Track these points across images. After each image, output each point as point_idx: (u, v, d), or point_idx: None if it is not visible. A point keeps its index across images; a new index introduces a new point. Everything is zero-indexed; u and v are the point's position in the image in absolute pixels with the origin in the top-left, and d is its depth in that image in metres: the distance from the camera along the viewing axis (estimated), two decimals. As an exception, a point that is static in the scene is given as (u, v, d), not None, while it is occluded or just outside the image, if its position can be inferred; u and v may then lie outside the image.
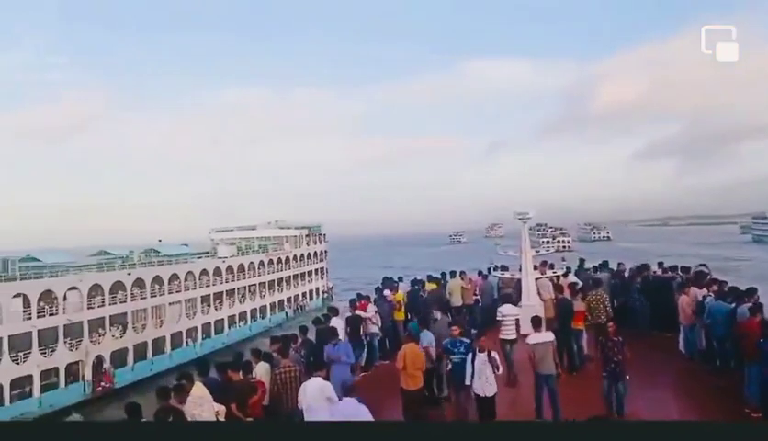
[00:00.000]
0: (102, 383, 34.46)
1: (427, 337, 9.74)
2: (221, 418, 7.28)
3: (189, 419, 6.91)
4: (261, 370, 8.52)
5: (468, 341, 9.06)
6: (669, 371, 10.65)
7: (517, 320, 11.07)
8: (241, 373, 8.37)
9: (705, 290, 11.85)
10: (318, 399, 7.54)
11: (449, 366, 9.04)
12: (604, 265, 16.39)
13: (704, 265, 14.96)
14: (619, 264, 16.22)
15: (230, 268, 50.13)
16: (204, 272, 47.07)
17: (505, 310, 11.39)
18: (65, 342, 33.58)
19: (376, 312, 12.52)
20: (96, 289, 36.41)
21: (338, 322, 11.05)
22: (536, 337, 9.26)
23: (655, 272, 15.10)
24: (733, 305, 10.33)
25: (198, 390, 7.24)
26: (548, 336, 9.43)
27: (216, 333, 46.02)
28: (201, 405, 7.07)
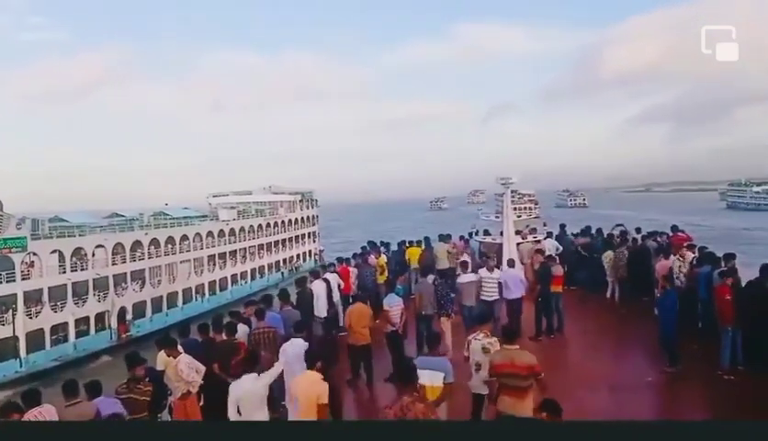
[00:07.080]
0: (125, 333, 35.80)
1: (392, 299, 9.23)
2: (200, 377, 6.97)
3: (185, 384, 6.77)
4: (240, 332, 8.12)
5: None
6: (644, 336, 10.22)
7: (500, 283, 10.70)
8: (224, 334, 7.99)
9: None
10: (299, 359, 7.15)
11: None
12: (586, 230, 15.86)
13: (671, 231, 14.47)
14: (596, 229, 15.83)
15: (231, 231, 50.50)
16: (209, 234, 47.45)
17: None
18: (94, 294, 34.84)
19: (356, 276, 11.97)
20: (117, 247, 37.44)
21: (319, 285, 10.49)
22: (463, 278, 10.52)
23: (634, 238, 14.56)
24: (709, 269, 9.88)
25: (187, 357, 7.01)
26: (473, 277, 10.45)
27: (221, 290, 46.65)
28: (192, 370, 6.91)
